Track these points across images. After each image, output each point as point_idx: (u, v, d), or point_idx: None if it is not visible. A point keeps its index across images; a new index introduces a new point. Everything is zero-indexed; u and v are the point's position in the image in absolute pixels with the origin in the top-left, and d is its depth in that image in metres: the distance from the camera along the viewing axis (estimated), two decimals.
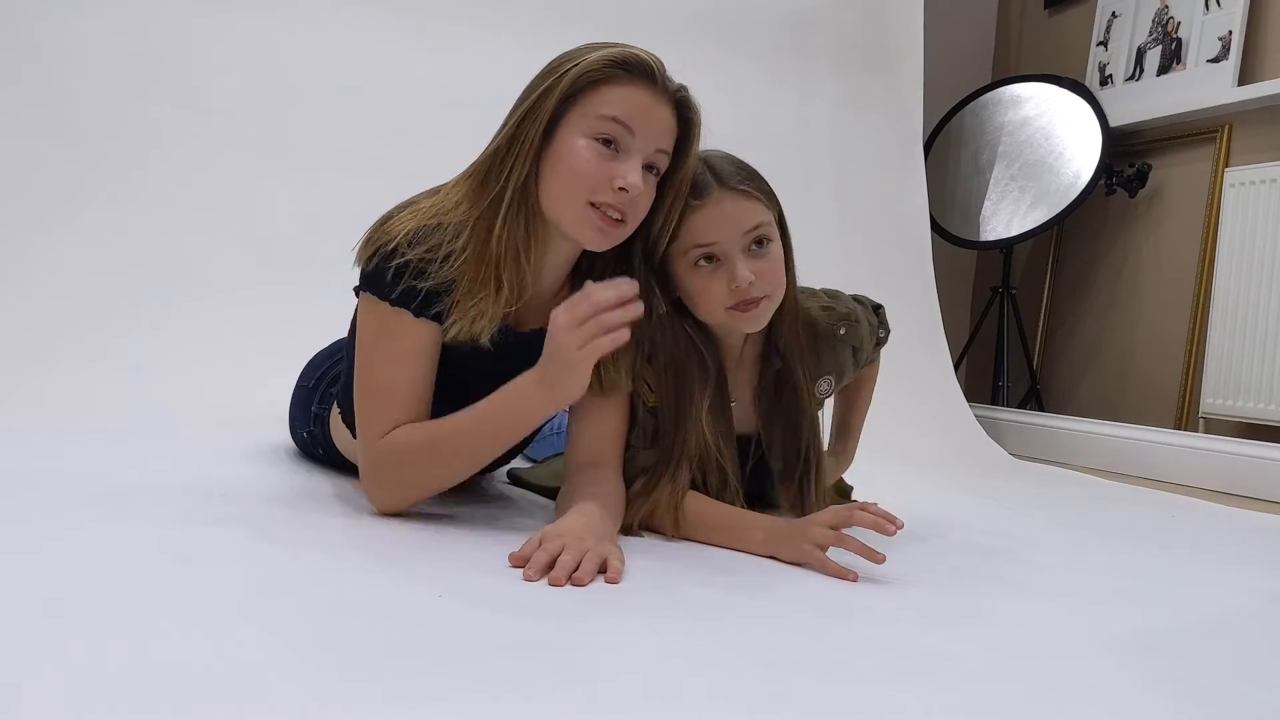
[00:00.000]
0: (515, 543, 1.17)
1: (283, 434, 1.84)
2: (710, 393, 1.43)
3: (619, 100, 1.28)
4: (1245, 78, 3.20)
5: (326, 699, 0.72)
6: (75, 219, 2.34)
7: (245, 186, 2.53)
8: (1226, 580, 1.46)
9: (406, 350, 1.32)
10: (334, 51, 2.69)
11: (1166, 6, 3.50)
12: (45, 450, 1.65)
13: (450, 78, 2.74)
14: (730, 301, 1.37)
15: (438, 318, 1.31)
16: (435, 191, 1.36)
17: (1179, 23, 3.40)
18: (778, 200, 1.42)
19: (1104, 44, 3.70)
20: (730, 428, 1.47)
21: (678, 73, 1.36)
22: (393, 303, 1.29)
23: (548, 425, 1.80)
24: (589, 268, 1.39)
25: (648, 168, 1.31)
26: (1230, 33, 3.21)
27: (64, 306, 2.25)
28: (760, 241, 1.38)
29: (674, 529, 1.38)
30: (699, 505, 1.40)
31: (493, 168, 1.31)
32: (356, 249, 1.33)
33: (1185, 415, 3.30)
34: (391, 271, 1.28)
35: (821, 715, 0.78)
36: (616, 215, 1.29)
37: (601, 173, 1.27)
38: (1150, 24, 3.52)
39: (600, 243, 1.32)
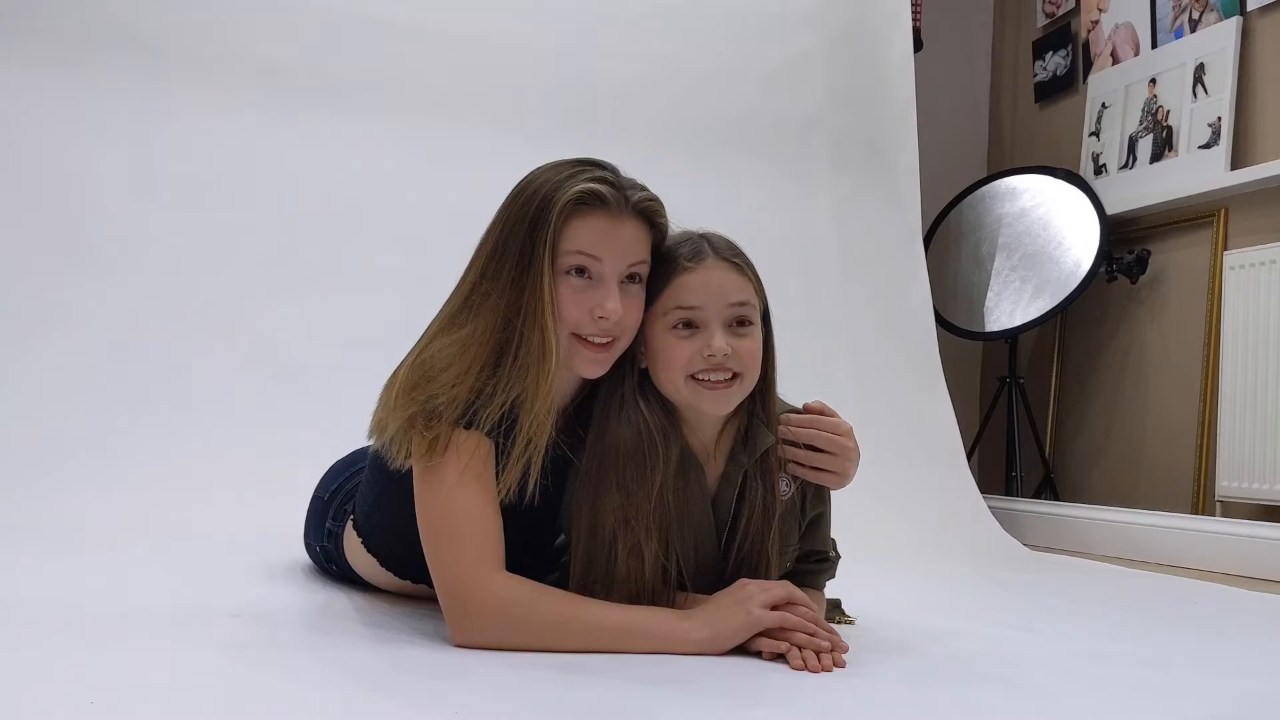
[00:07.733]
0: (552, 671, 1.16)
1: (297, 550, 1.82)
2: (663, 479, 1.34)
3: (581, 235, 1.30)
4: (1238, 162, 3.23)
5: None
6: (88, 330, 2.38)
7: (255, 300, 2.58)
8: (1254, 666, 1.43)
9: (481, 472, 1.30)
10: (339, 169, 2.76)
11: (1155, 96, 3.55)
12: (60, 571, 1.65)
13: (450, 191, 2.77)
14: (697, 368, 1.32)
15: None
16: (431, 338, 1.36)
17: (1169, 110, 3.44)
18: (765, 296, 1.39)
19: (1095, 134, 3.75)
20: (699, 517, 1.38)
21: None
22: (458, 424, 1.29)
23: None
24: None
25: (629, 278, 1.33)
26: (1220, 119, 3.25)
27: (71, 421, 2.28)
28: (742, 321, 1.34)
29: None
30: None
31: (506, 329, 1.31)
32: (392, 408, 1.32)
33: (1201, 499, 3.27)
34: (453, 406, 1.28)
35: None
36: (603, 340, 1.32)
37: (580, 307, 1.31)
38: (1140, 113, 3.57)
39: (595, 370, 1.35)
